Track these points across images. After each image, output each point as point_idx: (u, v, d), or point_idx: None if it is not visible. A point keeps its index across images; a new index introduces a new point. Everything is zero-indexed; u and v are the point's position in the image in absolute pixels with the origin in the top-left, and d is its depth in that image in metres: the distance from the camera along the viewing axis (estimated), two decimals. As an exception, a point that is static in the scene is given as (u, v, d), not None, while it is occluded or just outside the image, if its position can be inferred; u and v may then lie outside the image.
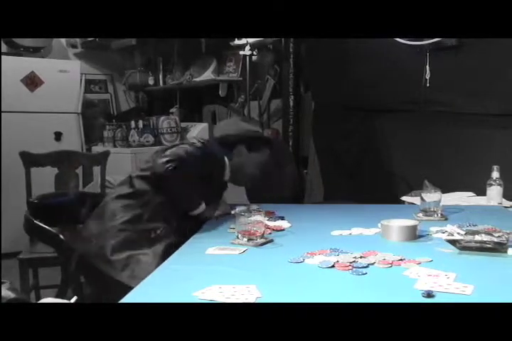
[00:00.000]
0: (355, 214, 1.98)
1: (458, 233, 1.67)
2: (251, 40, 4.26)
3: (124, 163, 3.83)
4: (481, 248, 1.48)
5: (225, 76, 4.40)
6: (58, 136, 4.40)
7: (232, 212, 2.01)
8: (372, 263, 1.39)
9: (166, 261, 1.49)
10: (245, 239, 1.62)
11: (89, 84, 4.97)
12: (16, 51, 4.47)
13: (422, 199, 1.96)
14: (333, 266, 1.37)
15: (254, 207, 2.11)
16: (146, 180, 1.96)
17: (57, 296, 1.69)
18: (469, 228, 1.73)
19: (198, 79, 4.39)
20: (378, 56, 3.22)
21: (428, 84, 2.97)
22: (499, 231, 1.63)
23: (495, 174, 2.34)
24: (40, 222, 1.91)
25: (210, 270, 1.39)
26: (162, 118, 4.23)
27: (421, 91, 3.01)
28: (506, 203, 2.39)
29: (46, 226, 1.87)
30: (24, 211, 1.97)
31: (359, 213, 2.02)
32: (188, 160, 1.95)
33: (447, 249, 1.52)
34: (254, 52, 4.40)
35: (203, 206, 2.02)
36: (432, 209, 1.94)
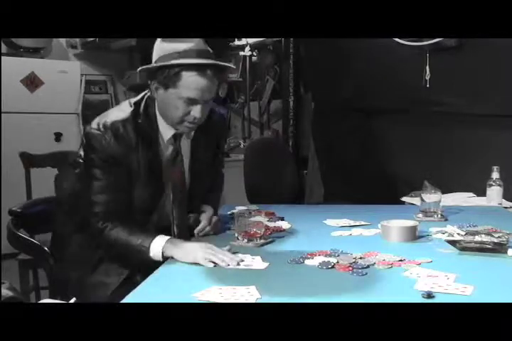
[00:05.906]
0: (355, 215, 1.98)
1: (458, 233, 1.67)
2: (251, 40, 4.26)
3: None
4: (481, 248, 1.48)
5: (225, 76, 4.40)
6: (58, 136, 4.40)
7: (231, 211, 1.99)
8: (373, 264, 1.39)
9: (165, 262, 1.49)
10: (245, 240, 1.62)
11: (89, 85, 4.97)
12: (16, 52, 4.47)
13: (421, 199, 1.95)
14: (332, 267, 1.37)
15: (253, 207, 2.11)
16: None
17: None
18: (469, 228, 1.73)
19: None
20: (378, 56, 3.22)
21: (428, 85, 2.97)
22: (499, 232, 1.63)
23: (495, 174, 2.34)
24: (24, 231, 1.73)
25: (209, 271, 1.39)
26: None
27: (421, 91, 3.01)
28: (506, 204, 2.39)
29: (28, 237, 1.70)
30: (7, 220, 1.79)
31: (359, 213, 2.01)
32: None
33: (447, 249, 1.52)
34: (254, 53, 4.41)
35: (160, 240, 1.52)
36: (432, 210, 1.94)
